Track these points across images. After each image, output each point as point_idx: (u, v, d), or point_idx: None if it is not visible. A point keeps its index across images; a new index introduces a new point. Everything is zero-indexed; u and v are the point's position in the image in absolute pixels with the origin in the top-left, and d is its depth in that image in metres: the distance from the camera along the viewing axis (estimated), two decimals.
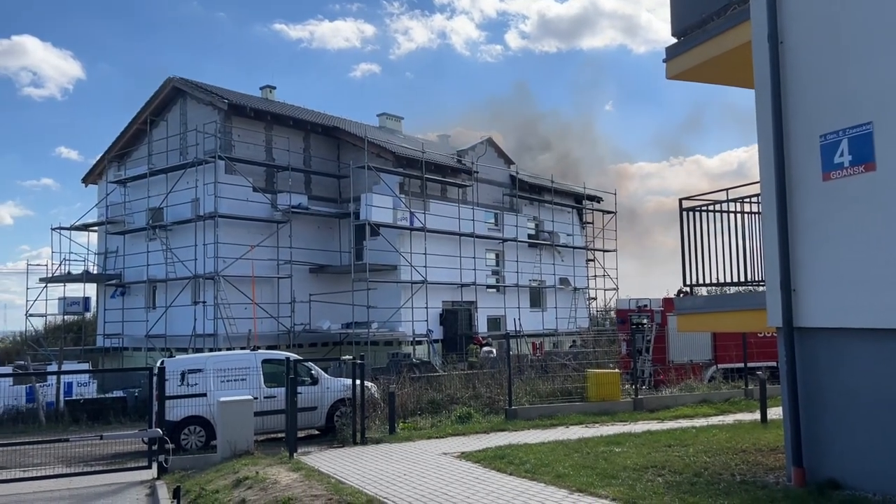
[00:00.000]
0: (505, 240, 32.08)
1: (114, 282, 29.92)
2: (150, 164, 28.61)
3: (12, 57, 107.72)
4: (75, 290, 30.52)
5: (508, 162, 34.11)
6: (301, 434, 14.17)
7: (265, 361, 16.14)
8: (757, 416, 14.12)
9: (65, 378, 21.94)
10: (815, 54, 7.70)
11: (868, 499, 6.93)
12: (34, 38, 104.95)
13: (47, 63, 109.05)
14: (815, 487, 7.40)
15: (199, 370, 15.55)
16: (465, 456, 10.78)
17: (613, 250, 37.64)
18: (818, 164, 7.57)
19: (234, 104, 26.51)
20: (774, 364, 17.38)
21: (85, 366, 25.90)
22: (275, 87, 32.91)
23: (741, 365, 18.49)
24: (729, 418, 14.35)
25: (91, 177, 32.87)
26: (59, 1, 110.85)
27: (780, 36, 8.03)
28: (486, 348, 24.58)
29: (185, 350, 24.03)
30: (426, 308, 27.04)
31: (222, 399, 12.74)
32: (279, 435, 14.55)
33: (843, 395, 7.43)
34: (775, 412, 13.49)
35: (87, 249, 31.67)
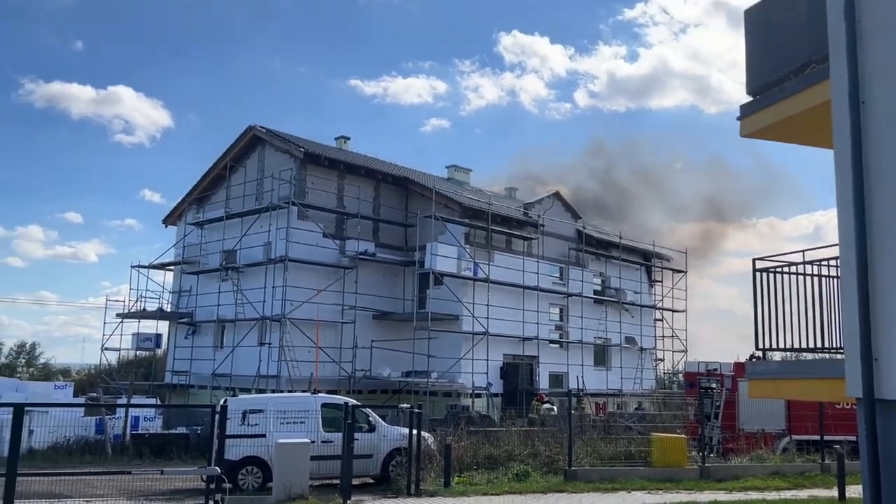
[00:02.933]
0: (570, 294, 31.67)
1: (185, 320, 30.86)
2: (227, 207, 29.69)
3: (107, 105, 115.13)
4: (149, 326, 31.58)
5: (575, 216, 33.90)
6: (356, 481, 14.07)
7: (324, 405, 16.20)
8: (834, 492, 13.27)
9: (132, 412, 22.56)
10: None
11: None
12: (128, 89, 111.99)
13: (139, 112, 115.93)
14: None
15: (260, 410, 15.73)
16: None
17: (683, 311, 36.63)
18: None
19: (309, 153, 27.41)
20: (854, 438, 16.38)
21: (152, 401, 26.59)
22: (349, 138, 33.92)
23: (817, 437, 17.51)
24: (803, 493, 13.55)
25: (171, 218, 34.32)
26: (154, 54, 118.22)
27: (861, 96, 7.80)
28: (546, 405, 24.09)
29: (248, 390, 24.41)
30: (486, 360, 26.77)
31: (280, 441, 12.83)
32: (334, 481, 14.49)
33: None
34: (855, 490, 12.65)
35: (163, 287, 32.86)
